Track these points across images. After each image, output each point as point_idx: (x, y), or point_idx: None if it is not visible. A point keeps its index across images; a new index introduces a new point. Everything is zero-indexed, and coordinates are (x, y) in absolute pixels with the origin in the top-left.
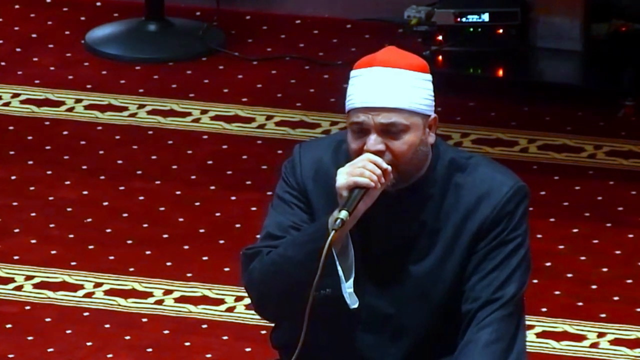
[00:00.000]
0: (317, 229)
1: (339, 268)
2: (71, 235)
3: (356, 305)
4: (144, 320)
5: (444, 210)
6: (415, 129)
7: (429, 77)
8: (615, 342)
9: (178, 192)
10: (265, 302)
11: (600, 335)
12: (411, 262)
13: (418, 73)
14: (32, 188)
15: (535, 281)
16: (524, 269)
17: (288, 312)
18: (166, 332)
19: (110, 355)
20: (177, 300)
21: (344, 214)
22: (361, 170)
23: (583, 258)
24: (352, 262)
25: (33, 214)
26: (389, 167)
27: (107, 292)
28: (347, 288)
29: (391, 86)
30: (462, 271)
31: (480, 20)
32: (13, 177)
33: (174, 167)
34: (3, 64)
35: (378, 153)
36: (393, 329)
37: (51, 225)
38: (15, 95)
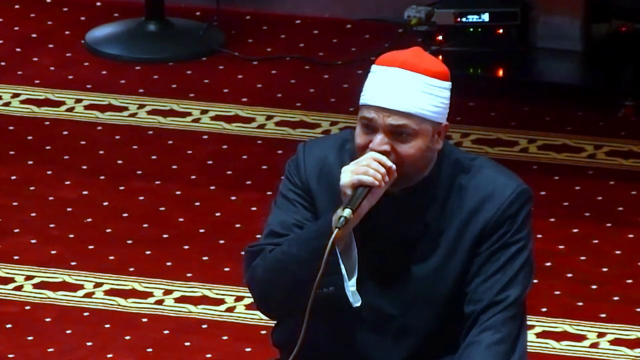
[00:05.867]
0: (321, 226)
1: (342, 266)
2: (71, 235)
3: (359, 304)
4: (144, 320)
5: (448, 211)
6: (424, 135)
7: (447, 84)
8: (615, 342)
9: (178, 192)
10: (267, 299)
11: (600, 335)
12: (414, 262)
13: (435, 80)
14: (32, 188)
15: (535, 281)
16: (527, 272)
17: (290, 310)
18: (166, 332)
19: (110, 355)
20: (177, 300)
21: (347, 212)
22: (365, 169)
23: (583, 258)
24: (356, 261)
25: (33, 214)
26: (394, 166)
27: (107, 292)
28: (350, 286)
29: (406, 90)
30: (465, 273)
31: (480, 20)
32: (13, 177)
33: (174, 167)
34: (3, 64)
35: (383, 153)
36: (395, 329)
37: (51, 225)
38: (15, 95)
